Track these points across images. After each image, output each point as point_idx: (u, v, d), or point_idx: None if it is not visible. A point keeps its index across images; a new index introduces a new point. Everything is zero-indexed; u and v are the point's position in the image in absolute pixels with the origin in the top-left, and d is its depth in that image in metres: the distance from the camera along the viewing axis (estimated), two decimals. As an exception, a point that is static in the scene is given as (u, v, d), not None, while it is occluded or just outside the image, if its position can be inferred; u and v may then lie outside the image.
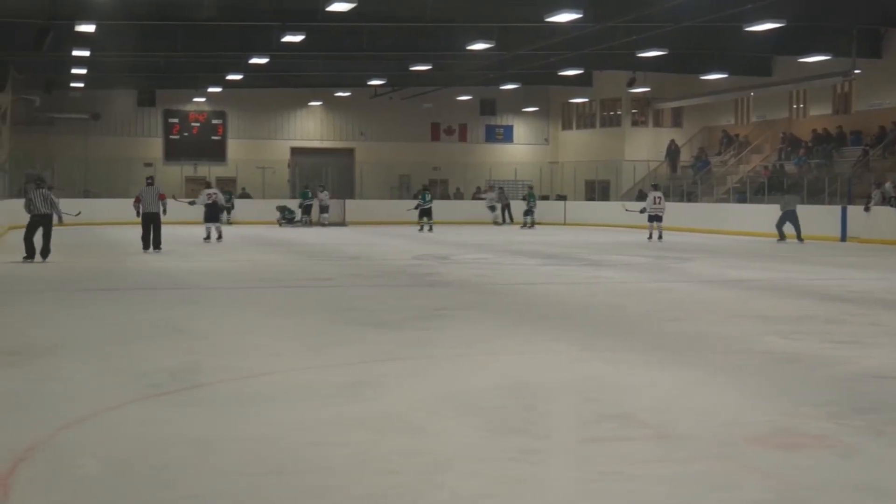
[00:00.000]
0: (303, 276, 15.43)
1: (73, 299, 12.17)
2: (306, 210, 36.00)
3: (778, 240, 25.50)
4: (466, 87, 40.94)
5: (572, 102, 44.42)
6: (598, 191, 41.86)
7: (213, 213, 25.03)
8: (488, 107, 45.53)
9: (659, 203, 27.68)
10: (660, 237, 27.11)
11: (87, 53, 27.66)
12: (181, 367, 7.34)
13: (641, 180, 39.49)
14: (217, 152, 42.62)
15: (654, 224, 27.53)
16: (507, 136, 46.13)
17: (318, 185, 36.77)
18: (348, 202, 37.63)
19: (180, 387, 6.70)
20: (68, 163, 38.07)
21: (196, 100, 41.94)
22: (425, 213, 31.86)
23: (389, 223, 35.82)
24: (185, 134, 42.39)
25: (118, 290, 13.33)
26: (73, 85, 37.68)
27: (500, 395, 6.47)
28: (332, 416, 5.86)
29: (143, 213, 20.69)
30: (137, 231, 21.18)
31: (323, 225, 32.41)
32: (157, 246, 20.47)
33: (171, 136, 42.34)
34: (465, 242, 25.23)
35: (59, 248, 22.07)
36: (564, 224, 37.95)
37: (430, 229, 30.92)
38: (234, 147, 42.79)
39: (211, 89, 39.75)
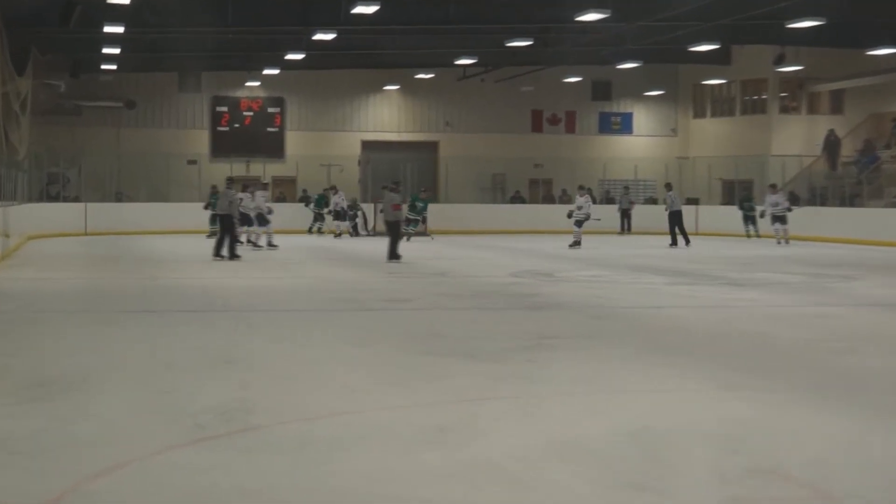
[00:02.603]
0: (378, 297, 15.49)
1: (107, 322, 12.40)
2: (319, 218, 36.18)
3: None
4: (575, 66, 40.82)
5: (706, 84, 43.99)
6: (737, 193, 41.36)
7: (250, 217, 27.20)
8: (602, 90, 45.32)
9: (782, 204, 28.44)
10: (786, 242, 28.80)
11: (120, 30, 28.18)
12: (232, 406, 7.42)
13: (792, 180, 38.91)
14: (273, 147, 43.10)
15: (778, 228, 28.41)
16: (625, 125, 45.87)
17: (331, 187, 36.17)
18: (430, 206, 37.78)
19: (231, 429, 6.76)
20: (98, 159, 38.83)
21: (249, 84, 42.47)
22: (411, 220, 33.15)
23: (481, 232, 35.87)
24: (236, 125, 42.95)
25: (158, 312, 13.55)
26: (104, 67, 38.29)
27: (618, 442, 6.42)
28: (415, 465, 5.86)
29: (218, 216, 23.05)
30: (179, 241, 21.54)
31: (257, 245, 28.00)
32: (231, 254, 22.40)
33: (220, 128, 42.93)
34: (574, 256, 25.13)
35: (92, 261, 22.56)
36: (696, 233, 37.54)
37: (408, 238, 30.76)
38: (293, 140, 43.24)
39: (267, 71, 40.16)
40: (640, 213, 38.25)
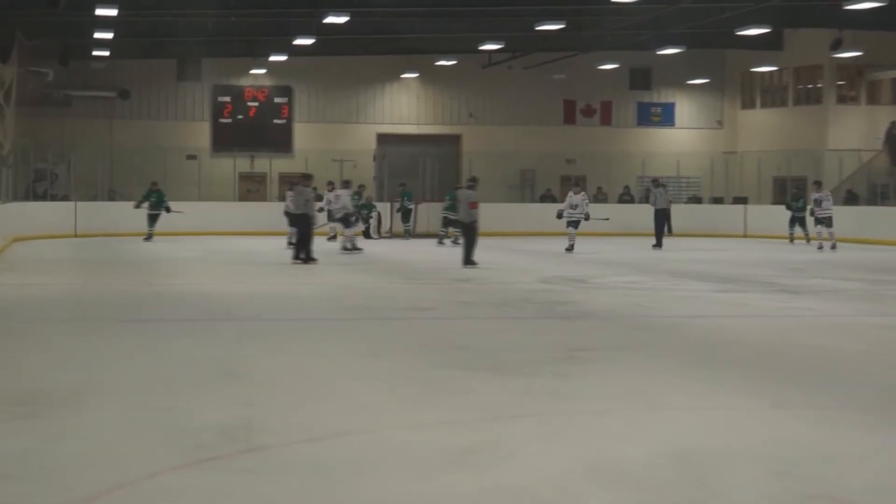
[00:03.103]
0: (396, 305, 15.51)
1: (99, 333, 12.43)
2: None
3: None
4: (612, 52, 40.76)
5: (756, 72, 43.89)
6: (790, 191, 41.22)
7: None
8: (641, 78, 45.27)
9: (825, 203, 28.84)
10: (833, 246, 28.60)
11: (113, 13, 28.23)
12: (235, 424, 7.43)
13: (850, 176, 38.81)
14: (281, 140, 43.17)
15: (822, 231, 28.91)
16: (666, 117, 45.81)
17: (328, 183, 35.55)
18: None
19: (235, 450, 6.78)
20: (89, 154, 38.82)
21: (254, 72, 42.55)
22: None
23: (507, 234, 35.85)
24: (240, 117, 43.04)
25: (154, 322, 13.58)
26: (95, 54, 38.35)
27: (660, 465, 6.41)
28: (436, 491, 5.86)
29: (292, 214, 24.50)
30: (179, 244, 21.59)
31: (347, 248, 28.30)
32: (307, 256, 23.04)
33: (222, 120, 43.02)
34: (611, 260, 25.11)
35: (83, 265, 22.64)
36: (745, 236, 37.48)
37: (453, 241, 30.68)
38: (302, 133, 43.31)
39: (273, 58, 40.17)
40: (683, 213, 38.18)
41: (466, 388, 8.86)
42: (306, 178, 25.11)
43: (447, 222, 31.80)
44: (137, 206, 32.32)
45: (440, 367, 9.88)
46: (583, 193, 28.90)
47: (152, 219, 32.19)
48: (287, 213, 27.95)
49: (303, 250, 23.19)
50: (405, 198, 36.41)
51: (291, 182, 28.62)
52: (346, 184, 30.13)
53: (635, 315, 14.30)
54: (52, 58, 38.44)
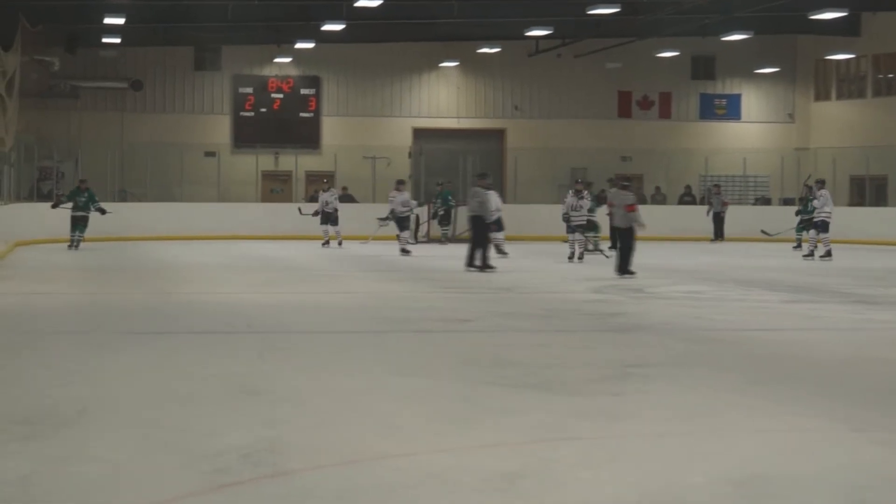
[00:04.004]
0: (433, 316, 15.54)
1: (110, 346, 12.46)
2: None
3: None
4: (672, 38, 40.70)
5: (831, 60, 43.72)
6: (869, 191, 41.05)
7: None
8: (704, 67, 45.20)
9: (825, 204, 28.23)
10: (824, 255, 27.89)
11: (126, -4, 28.50)
12: (258, 447, 7.44)
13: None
14: (307, 135, 43.33)
15: (815, 234, 28.49)
16: (731, 110, 45.70)
17: (324, 182, 35.40)
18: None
19: (259, 475, 6.78)
20: (98, 151, 38.98)
21: (278, 61, 42.72)
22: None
23: (556, 238, 35.76)
24: (263, 110, 43.22)
25: (170, 334, 13.65)
26: (105, 41, 38.64)
27: (724, 494, 6.39)
28: (477, 520, 5.87)
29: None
30: (196, 249, 21.65)
31: (406, 251, 29.12)
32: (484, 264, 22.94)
33: (243, 113, 43.24)
34: (670, 267, 25.08)
35: (92, 272, 22.77)
36: (818, 240, 37.25)
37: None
38: (331, 128, 43.45)
39: (299, 45, 40.35)
40: (750, 215, 38.03)
41: (510, 407, 8.85)
42: (482, 177, 24.91)
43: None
44: (56, 206, 30.82)
45: (482, 385, 9.88)
46: (586, 193, 28.23)
47: (77, 222, 30.36)
48: (393, 215, 29.08)
49: (479, 256, 22.99)
50: (444, 198, 36.44)
51: (399, 181, 31.29)
52: (400, 184, 30.26)
53: (697, 328, 14.28)
54: (58, 45, 38.56)
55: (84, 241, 29.82)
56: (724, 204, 38.14)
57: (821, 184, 29.36)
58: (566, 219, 27.85)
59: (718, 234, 37.14)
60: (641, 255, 27.96)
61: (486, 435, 7.95)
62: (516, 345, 12.70)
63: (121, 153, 39.86)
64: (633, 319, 15.16)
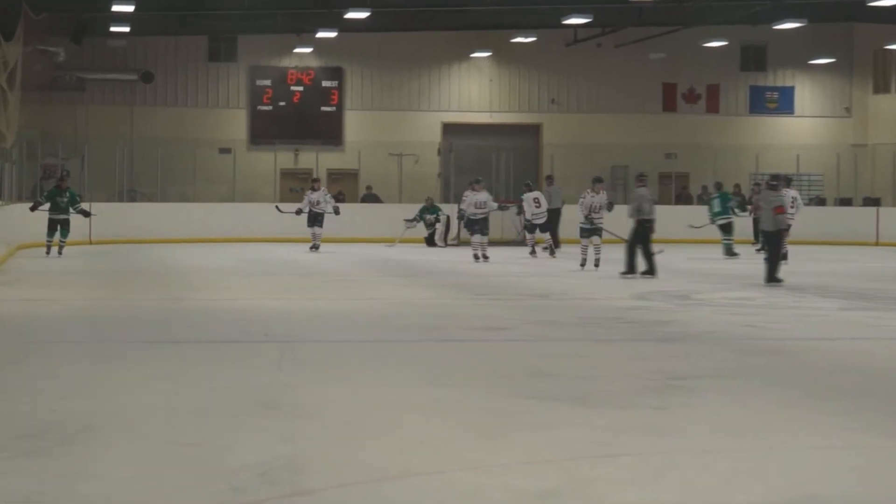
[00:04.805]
0: (464, 324, 15.55)
1: (119, 356, 12.50)
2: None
3: None
4: (720, 27, 40.63)
5: (890, 50, 43.57)
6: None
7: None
8: (754, 58, 45.10)
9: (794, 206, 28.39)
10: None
11: (135, -18, 28.61)
12: (276, 464, 7.45)
13: None
14: (329, 131, 43.31)
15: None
16: (784, 103, 45.58)
17: (314, 179, 34.70)
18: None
19: (275, 493, 6.80)
20: (106, 147, 38.99)
21: (298, 51, 42.75)
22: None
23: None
24: (282, 104, 43.20)
25: (184, 343, 13.72)
26: (113, 30, 38.71)
27: (776, 515, 6.38)
28: (510, 542, 5.88)
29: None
30: (211, 252, 21.70)
31: (478, 257, 28.63)
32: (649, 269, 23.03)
33: (260, 107, 43.24)
34: (717, 273, 25.03)
35: (99, 277, 22.86)
36: (877, 244, 37.15)
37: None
38: (354, 123, 43.45)
39: (321, 35, 40.32)
40: (803, 216, 37.86)
41: (547, 422, 8.87)
42: (640, 178, 24.93)
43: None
44: (34, 209, 29.36)
45: (516, 398, 9.87)
46: (603, 192, 27.57)
47: (56, 226, 28.94)
48: (526, 222, 30.15)
49: (647, 261, 23.08)
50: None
51: (527, 183, 31.39)
52: (477, 182, 29.86)
53: (747, 337, 14.26)
54: (63, 34, 38.52)
55: (92, 243, 29.73)
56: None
57: (783, 181, 29.00)
58: (590, 220, 27.22)
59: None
60: (689, 258, 27.99)
61: (519, 451, 7.95)
62: (553, 355, 12.69)
63: (130, 150, 39.96)
64: (678, 328, 15.13)
